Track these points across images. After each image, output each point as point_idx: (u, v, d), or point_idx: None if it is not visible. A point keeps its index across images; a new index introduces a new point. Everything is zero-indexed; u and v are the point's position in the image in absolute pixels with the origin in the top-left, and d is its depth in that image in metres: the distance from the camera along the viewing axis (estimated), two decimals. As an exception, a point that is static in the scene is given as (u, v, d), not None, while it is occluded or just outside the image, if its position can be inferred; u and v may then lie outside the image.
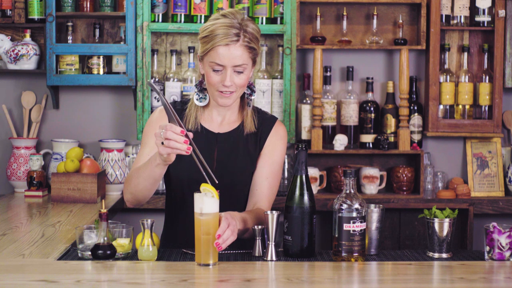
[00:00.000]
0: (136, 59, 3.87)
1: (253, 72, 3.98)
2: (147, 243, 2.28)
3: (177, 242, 2.61)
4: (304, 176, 2.35)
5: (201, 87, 2.57)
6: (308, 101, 4.01)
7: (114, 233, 2.35)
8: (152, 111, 3.89)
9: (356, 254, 2.28)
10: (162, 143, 2.25)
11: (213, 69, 2.46)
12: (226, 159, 2.58)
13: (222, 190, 2.38)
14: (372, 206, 2.43)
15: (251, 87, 2.58)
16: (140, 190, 2.47)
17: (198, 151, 2.30)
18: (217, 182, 2.30)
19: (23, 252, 2.44)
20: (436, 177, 4.08)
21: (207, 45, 2.45)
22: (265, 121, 2.64)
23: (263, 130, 2.63)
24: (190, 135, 2.28)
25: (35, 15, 3.93)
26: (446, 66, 4.03)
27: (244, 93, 2.59)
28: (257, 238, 2.37)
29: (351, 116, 4.02)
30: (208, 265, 2.22)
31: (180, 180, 2.58)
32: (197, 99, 2.58)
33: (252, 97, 2.62)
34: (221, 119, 2.62)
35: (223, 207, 2.32)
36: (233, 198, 2.57)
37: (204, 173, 2.29)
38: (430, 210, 2.40)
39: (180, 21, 3.89)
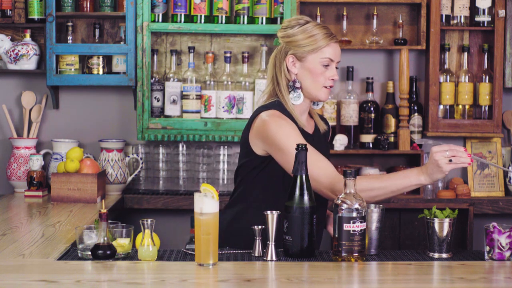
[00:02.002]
0: (136, 59, 3.87)
1: (254, 72, 3.99)
2: (147, 243, 2.28)
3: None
4: (304, 176, 2.35)
5: (295, 87, 2.64)
6: (308, 101, 4.01)
7: (114, 233, 2.35)
8: (152, 111, 3.90)
9: (356, 254, 2.28)
10: (450, 160, 2.45)
11: (324, 65, 2.60)
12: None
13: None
14: (372, 206, 2.43)
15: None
16: (375, 198, 2.51)
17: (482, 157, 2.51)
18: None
19: (23, 252, 2.44)
20: (436, 177, 4.07)
21: (319, 43, 2.59)
22: (322, 119, 2.80)
23: (325, 129, 2.78)
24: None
25: (35, 15, 3.93)
26: (446, 66, 4.03)
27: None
28: (257, 238, 2.37)
29: (351, 116, 4.01)
30: (208, 265, 2.22)
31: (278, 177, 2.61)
32: (292, 98, 2.64)
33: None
34: (302, 119, 2.68)
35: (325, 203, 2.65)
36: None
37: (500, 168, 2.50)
38: (430, 210, 2.40)
39: (180, 21, 3.88)
